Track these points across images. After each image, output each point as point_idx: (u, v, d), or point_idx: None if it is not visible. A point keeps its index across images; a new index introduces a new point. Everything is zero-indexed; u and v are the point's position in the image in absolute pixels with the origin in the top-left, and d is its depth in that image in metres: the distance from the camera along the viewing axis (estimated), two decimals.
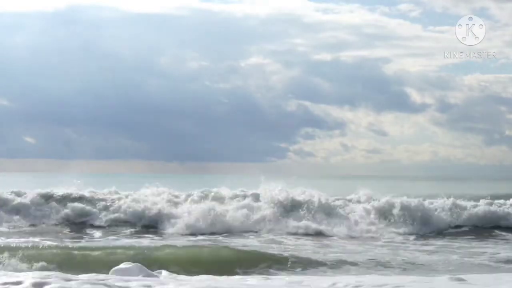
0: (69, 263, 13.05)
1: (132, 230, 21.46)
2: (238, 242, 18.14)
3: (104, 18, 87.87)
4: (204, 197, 24.75)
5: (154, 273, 10.59)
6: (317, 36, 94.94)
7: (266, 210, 22.81)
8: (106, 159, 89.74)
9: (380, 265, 14.38)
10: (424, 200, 24.75)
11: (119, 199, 24.02)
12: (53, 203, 23.37)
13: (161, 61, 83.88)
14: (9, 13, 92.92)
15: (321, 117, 79.48)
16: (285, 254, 15.28)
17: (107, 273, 10.13)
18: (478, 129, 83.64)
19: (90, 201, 24.09)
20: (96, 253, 14.24)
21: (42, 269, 12.02)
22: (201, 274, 11.42)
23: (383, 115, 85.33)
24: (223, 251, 15.25)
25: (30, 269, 12.14)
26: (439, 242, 19.85)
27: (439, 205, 24.80)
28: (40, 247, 14.62)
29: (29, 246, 14.58)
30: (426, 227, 22.89)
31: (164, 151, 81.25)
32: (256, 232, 21.08)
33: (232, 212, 22.36)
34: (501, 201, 25.59)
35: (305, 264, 14.18)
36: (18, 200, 23.19)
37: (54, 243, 15.78)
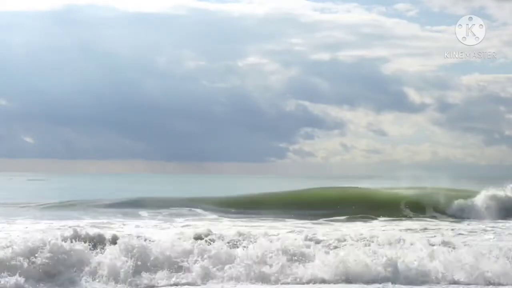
0: None
1: None
2: None
3: (101, 17, 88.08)
4: None
5: None
6: (315, 36, 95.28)
7: None
8: (106, 159, 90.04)
9: None
10: None
11: None
12: None
13: (159, 60, 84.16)
14: (6, 13, 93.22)
15: (320, 117, 79.81)
16: None
17: None
18: (478, 129, 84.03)
19: None
20: None
21: None
22: None
23: (383, 115, 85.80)
24: None
25: None
26: None
27: None
28: None
29: None
30: None
31: (164, 151, 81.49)
32: None
33: None
34: None
35: None
36: None
37: None
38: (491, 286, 11.12)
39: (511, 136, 75.87)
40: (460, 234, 18.37)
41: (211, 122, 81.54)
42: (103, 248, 11.79)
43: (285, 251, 11.71)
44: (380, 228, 20.90)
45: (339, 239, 13.23)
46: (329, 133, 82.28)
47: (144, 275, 11.04)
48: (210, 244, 12.07)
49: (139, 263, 11.20)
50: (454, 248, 12.56)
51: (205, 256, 11.49)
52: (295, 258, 11.63)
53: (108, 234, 12.90)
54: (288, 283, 11.16)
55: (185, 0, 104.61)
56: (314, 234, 14.22)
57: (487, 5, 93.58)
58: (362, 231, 17.18)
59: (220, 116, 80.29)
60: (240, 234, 12.95)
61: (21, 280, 10.45)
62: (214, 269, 11.27)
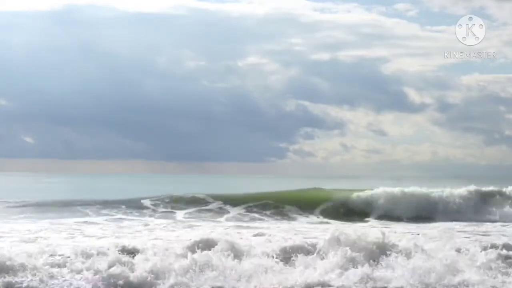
0: None
1: None
2: None
3: (101, 17, 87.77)
4: None
5: None
6: (315, 36, 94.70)
7: None
8: (106, 159, 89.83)
9: None
10: None
11: None
12: None
13: (159, 60, 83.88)
14: (5, 12, 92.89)
15: (320, 117, 79.53)
16: None
17: None
18: (478, 129, 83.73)
19: None
20: None
21: None
22: None
23: (383, 115, 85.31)
24: None
25: None
26: None
27: None
28: None
29: None
30: None
31: (164, 151, 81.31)
32: None
33: None
34: None
35: None
36: None
37: None
38: None
39: (511, 136, 75.70)
40: None
41: (211, 122, 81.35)
42: None
43: None
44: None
45: None
46: (329, 133, 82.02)
47: None
48: None
49: None
50: None
51: None
52: None
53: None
54: None
55: (185, 0, 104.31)
56: None
57: (487, 5, 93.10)
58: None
59: (220, 116, 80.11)
60: None
61: None
62: None
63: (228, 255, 12.10)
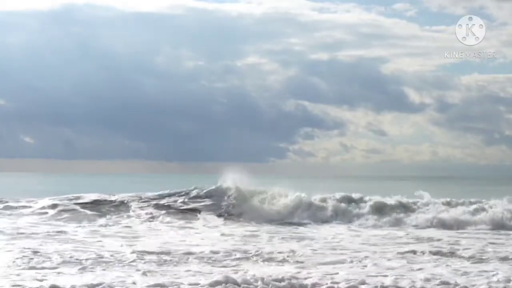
0: None
1: None
2: None
3: (99, 17, 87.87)
4: None
5: None
6: (314, 36, 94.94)
7: None
8: (106, 159, 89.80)
9: None
10: None
11: None
12: None
13: (157, 60, 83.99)
14: (4, 12, 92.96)
15: (320, 117, 79.63)
16: None
17: None
18: (477, 129, 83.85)
19: None
20: None
21: None
22: None
23: (382, 115, 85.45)
24: None
25: None
26: None
27: None
28: None
29: None
30: None
31: (164, 151, 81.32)
32: None
33: None
34: None
35: None
36: None
37: None
38: None
39: (511, 136, 75.77)
40: None
41: (211, 122, 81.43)
42: None
43: None
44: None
45: None
46: (329, 133, 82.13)
47: None
48: None
49: None
50: None
51: None
52: None
53: None
54: None
55: None
56: None
57: (486, 5, 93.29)
58: None
59: (219, 116, 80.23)
60: None
61: None
62: None
63: None
